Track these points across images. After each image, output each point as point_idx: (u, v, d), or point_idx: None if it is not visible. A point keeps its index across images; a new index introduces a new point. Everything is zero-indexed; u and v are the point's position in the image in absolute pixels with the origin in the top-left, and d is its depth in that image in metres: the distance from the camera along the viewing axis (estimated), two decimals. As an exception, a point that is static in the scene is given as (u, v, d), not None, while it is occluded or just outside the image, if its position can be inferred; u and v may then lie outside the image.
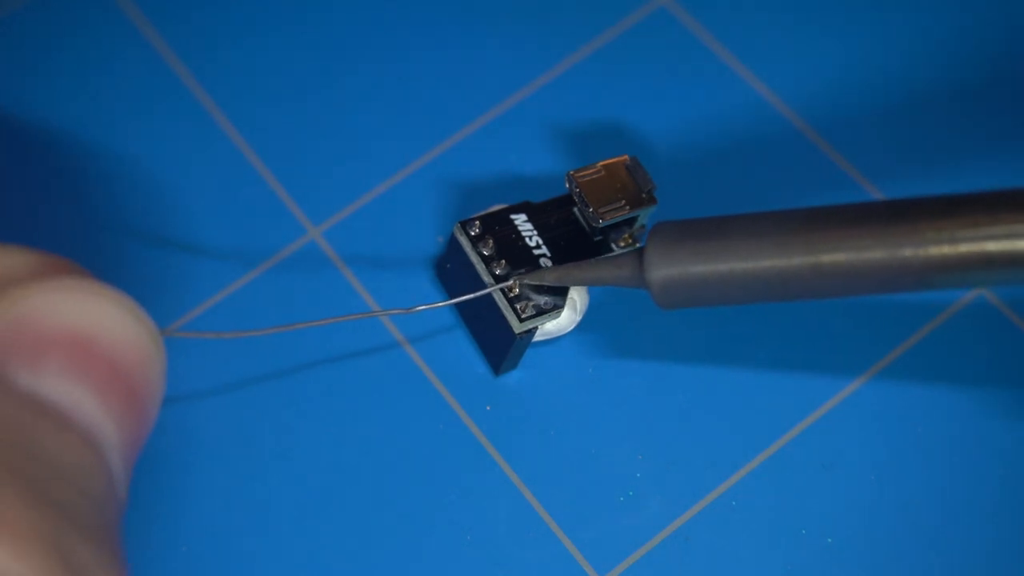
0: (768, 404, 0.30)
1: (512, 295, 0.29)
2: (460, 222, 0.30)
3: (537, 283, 0.29)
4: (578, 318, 0.30)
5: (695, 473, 0.29)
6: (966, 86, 0.34)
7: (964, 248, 0.23)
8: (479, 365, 0.31)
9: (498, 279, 0.29)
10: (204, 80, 0.34)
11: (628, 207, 0.29)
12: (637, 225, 0.30)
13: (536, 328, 0.29)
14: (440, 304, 0.29)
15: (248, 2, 0.35)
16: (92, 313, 0.18)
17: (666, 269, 0.26)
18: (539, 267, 0.29)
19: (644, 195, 0.30)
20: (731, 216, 0.26)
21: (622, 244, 0.30)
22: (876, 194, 0.33)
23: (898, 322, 0.31)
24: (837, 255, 0.24)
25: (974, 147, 0.33)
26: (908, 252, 0.23)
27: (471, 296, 0.29)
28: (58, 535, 0.16)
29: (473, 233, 0.29)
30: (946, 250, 0.23)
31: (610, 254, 0.27)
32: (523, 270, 0.29)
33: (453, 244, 0.30)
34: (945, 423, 0.30)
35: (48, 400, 0.17)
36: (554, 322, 0.29)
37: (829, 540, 0.29)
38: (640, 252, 0.27)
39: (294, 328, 0.29)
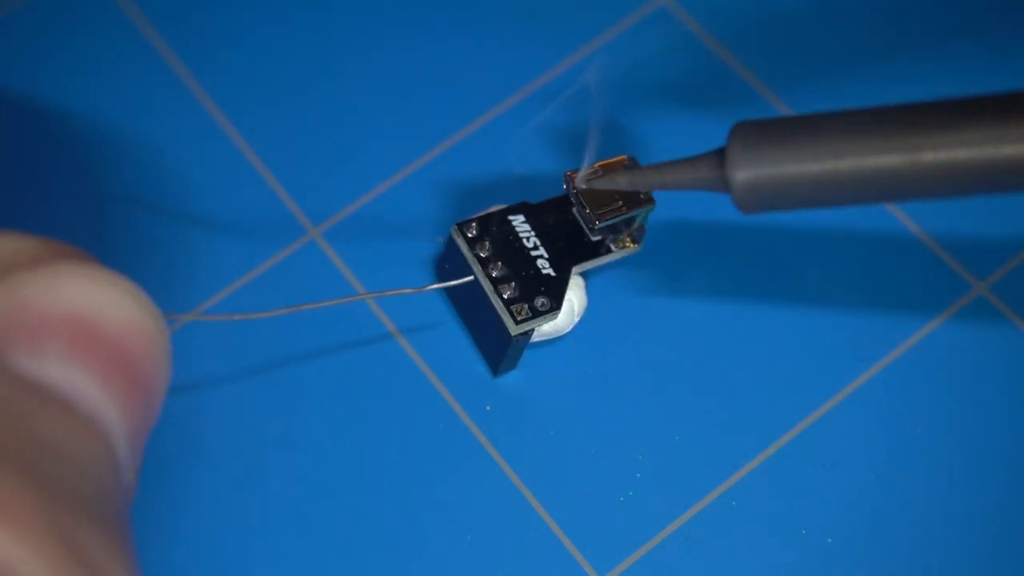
0: (768, 404, 0.30)
1: (507, 297, 0.29)
2: (457, 223, 0.30)
3: (609, 187, 0.28)
4: (576, 320, 0.30)
5: (695, 473, 0.29)
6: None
7: None
8: (479, 366, 0.31)
9: (494, 281, 0.29)
10: (204, 80, 0.34)
11: (625, 208, 0.29)
12: (635, 225, 0.30)
13: (532, 330, 0.29)
14: (458, 282, 0.29)
15: (248, 2, 0.35)
16: (94, 297, 0.17)
17: (751, 169, 0.24)
18: (536, 269, 0.29)
19: (642, 196, 0.30)
20: (818, 113, 0.24)
21: (620, 245, 0.30)
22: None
23: (898, 322, 0.31)
24: (938, 153, 0.23)
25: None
26: (1011, 150, 0.22)
27: (476, 286, 0.29)
28: (61, 519, 0.15)
29: (470, 234, 0.29)
30: None
31: (687, 157, 0.26)
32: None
33: (451, 245, 0.30)
34: (945, 423, 0.30)
35: (50, 385, 0.17)
36: (551, 324, 0.29)
37: (829, 540, 0.29)
38: (721, 152, 0.25)
39: (299, 309, 0.28)
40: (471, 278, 0.29)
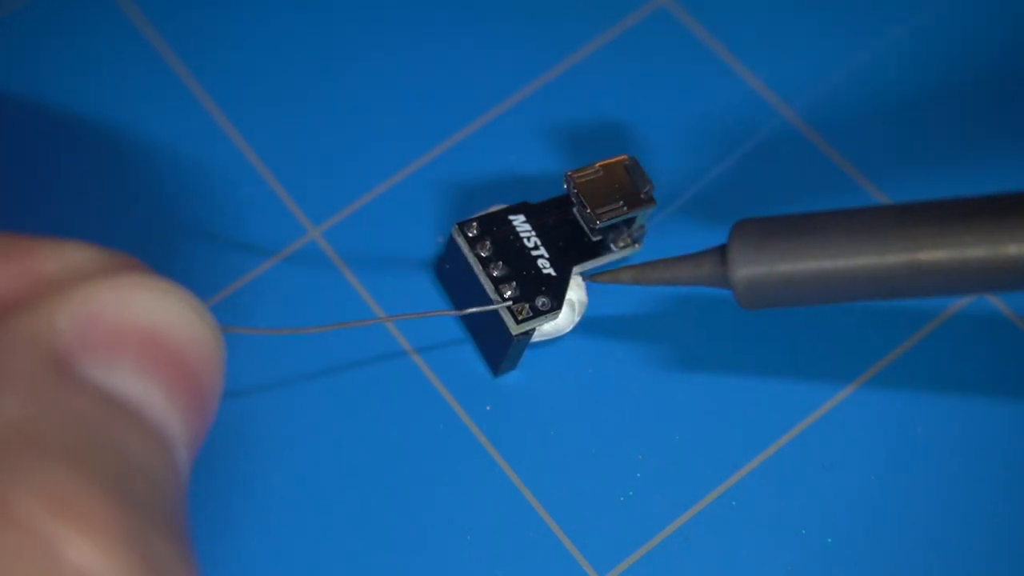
0: (768, 404, 0.30)
1: (508, 297, 0.29)
2: (458, 223, 0.30)
3: (611, 282, 0.28)
4: (576, 319, 0.30)
5: (695, 473, 0.29)
6: (966, 85, 0.34)
7: None
8: (479, 365, 0.31)
9: (495, 281, 0.29)
10: (204, 80, 0.34)
11: (626, 208, 0.29)
12: (636, 225, 0.30)
13: (533, 330, 0.29)
14: (481, 310, 0.29)
15: (248, 2, 0.35)
16: (161, 309, 0.18)
17: (752, 267, 0.25)
18: (537, 269, 0.29)
19: (642, 196, 0.30)
20: (818, 212, 0.25)
21: (621, 244, 0.30)
22: (875, 193, 0.33)
23: (898, 322, 0.31)
24: (937, 252, 0.23)
25: (975, 147, 0.33)
26: (1013, 250, 0.22)
27: (479, 309, 0.29)
28: (139, 531, 0.16)
29: (471, 234, 0.29)
30: None
31: (689, 254, 0.27)
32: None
33: (451, 245, 0.30)
34: (945, 423, 0.30)
35: (122, 396, 0.17)
36: (552, 323, 0.29)
37: (829, 540, 0.29)
38: (722, 249, 0.26)
39: (346, 327, 0.29)
40: (494, 307, 0.29)
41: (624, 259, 0.31)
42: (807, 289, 0.25)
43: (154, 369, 0.17)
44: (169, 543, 0.16)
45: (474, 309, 0.29)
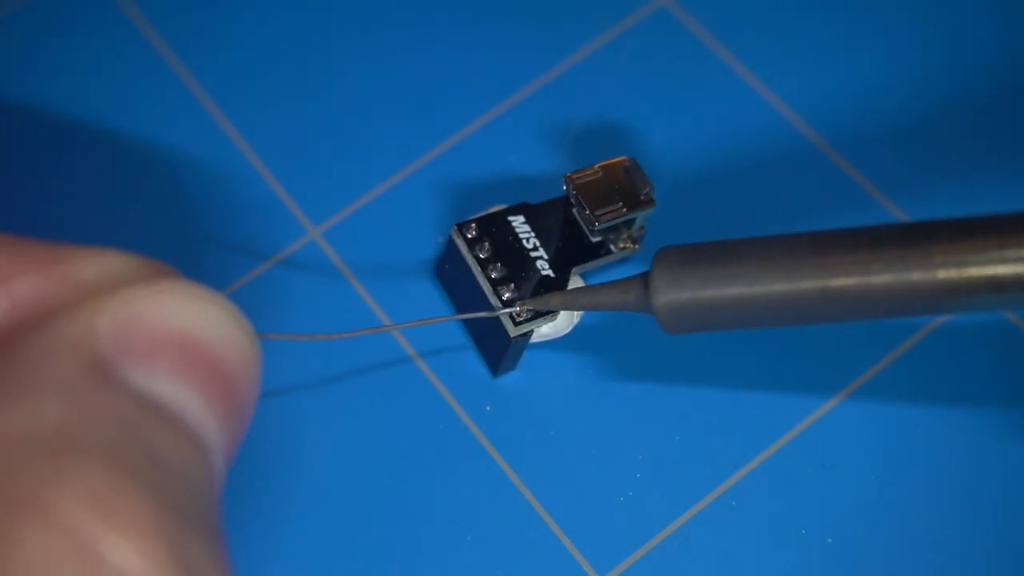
0: (768, 404, 0.30)
1: (506, 299, 0.29)
2: (457, 224, 0.30)
3: (543, 308, 0.29)
4: (575, 320, 0.30)
5: (695, 473, 0.29)
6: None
7: (973, 272, 0.23)
8: (479, 366, 0.31)
9: (494, 282, 0.29)
10: (204, 80, 0.34)
11: (625, 209, 0.29)
12: (636, 227, 0.30)
13: (532, 331, 0.29)
14: (482, 315, 0.29)
15: (248, 2, 0.35)
16: (198, 315, 0.18)
17: (673, 294, 0.26)
18: (536, 270, 0.29)
19: (642, 197, 0.30)
20: (737, 240, 0.26)
21: (621, 246, 0.30)
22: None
23: (898, 323, 0.31)
24: (846, 279, 0.24)
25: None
26: (916, 276, 0.23)
27: (478, 315, 0.29)
28: (177, 534, 0.16)
29: (470, 236, 0.29)
30: (954, 274, 0.23)
31: (614, 280, 0.27)
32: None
33: (451, 246, 0.30)
34: (944, 424, 0.30)
35: (160, 400, 0.17)
36: (550, 325, 0.29)
37: (829, 540, 0.29)
38: (645, 277, 0.27)
39: (381, 331, 0.30)
40: (496, 314, 0.29)
41: (624, 259, 0.31)
42: (726, 315, 0.26)
43: (192, 374, 0.18)
44: (205, 546, 0.17)
45: (474, 315, 0.29)
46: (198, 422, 0.18)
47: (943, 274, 0.23)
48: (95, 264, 0.18)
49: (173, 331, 0.18)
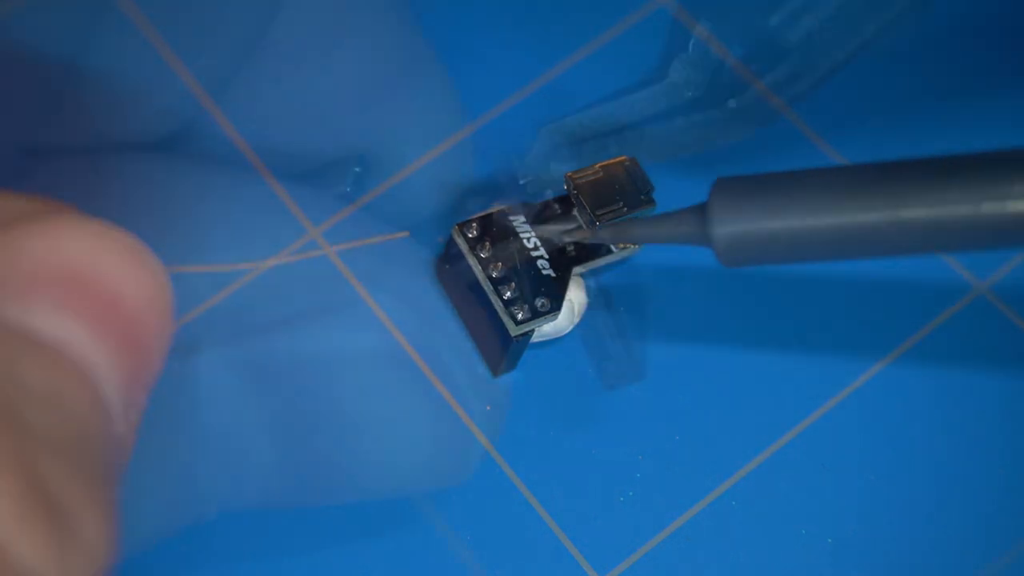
0: (768, 404, 0.30)
1: (508, 298, 0.29)
2: (458, 224, 0.30)
3: (592, 240, 0.28)
4: (576, 320, 0.30)
5: (695, 473, 0.29)
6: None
7: None
8: (479, 366, 0.31)
9: (495, 282, 0.29)
10: (204, 80, 0.34)
11: (626, 209, 0.29)
12: (636, 226, 0.30)
13: (533, 331, 0.29)
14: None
15: (248, 2, 0.35)
16: (91, 250, 0.17)
17: (733, 225, 0.25)
18: (536, 269, 0.29)
19: (643, 197, 0.30)
20: (800, 170, 0.25)
21: (621, 246, 0.30)
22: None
23: (898, 323, 0.31)
24: (919, 209, 0.23)
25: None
26: (988, 207, 0.22)
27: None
28: (34, 459, 0.15)
29: (471, 235, 0.29)
30: None
31: (669, 211, 0.26)
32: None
33: (451, 246, 0.30)
34: (945, 423, 0.30)
35: (38, 333, 0.17)
36: (551, 324, 0.29)
37: (829, 540, 0.29)
38: (703, 207, 0.25)
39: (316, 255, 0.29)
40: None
41: (624, 260, 0.31)
42: (789, 247, 0.24)
43: (78, 307, 0.17)
44: (71, 474, 0.16)
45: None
46: (84, 354, 0.17)
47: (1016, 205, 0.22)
48: None
49: (60, 264, 0.17)
